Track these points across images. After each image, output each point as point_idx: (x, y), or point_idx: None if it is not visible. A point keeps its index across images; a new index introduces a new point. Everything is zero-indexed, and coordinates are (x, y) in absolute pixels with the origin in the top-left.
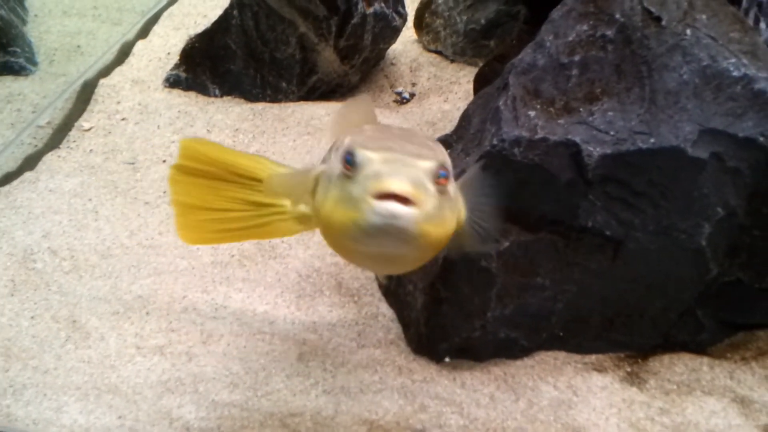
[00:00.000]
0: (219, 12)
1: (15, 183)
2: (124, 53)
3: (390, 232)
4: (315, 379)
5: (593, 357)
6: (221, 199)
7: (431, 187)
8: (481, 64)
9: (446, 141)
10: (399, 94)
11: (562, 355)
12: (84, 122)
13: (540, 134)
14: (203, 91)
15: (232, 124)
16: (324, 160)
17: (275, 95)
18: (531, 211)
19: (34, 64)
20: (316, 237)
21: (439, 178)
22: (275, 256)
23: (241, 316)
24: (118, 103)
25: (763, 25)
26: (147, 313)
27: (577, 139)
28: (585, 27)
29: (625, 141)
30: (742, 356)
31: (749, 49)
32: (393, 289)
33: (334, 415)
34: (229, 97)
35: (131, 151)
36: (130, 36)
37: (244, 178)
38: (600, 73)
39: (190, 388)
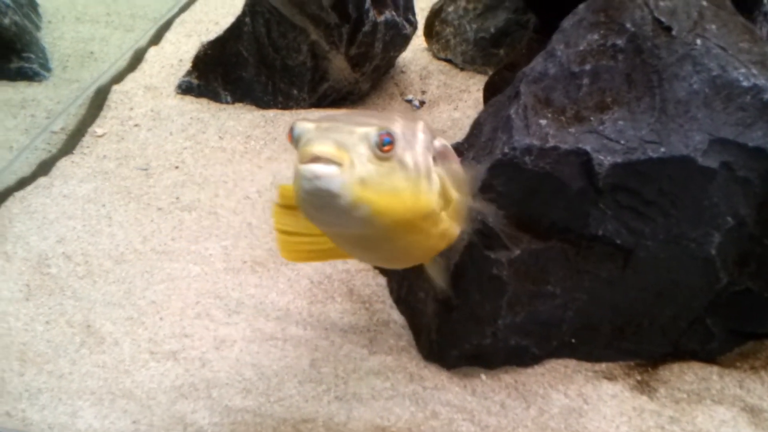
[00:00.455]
0: (231, 19)
1: (29, 188)
2: (136, 60)
3: (318, 195)
4: (327, 386)
5: (603, 365)
6: (313, 227)
7: (365, 151)
8: (490, 72)
9: (457, 149)
10: (409, 101)
11: (572, 363)
12: (97, 128)
13: (551, 143)
14: (215, 97)
15: (243, 131)
16: None
17: (286, 102)
18: (542, 220)
19: (48, 70)
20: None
21: (383, 145)
22: (287, 263)
23: (254, 321)
24: (131, 109)
25: None
26: (160, 319)
27: (588, 148)
28: (596, 36)
29: (635, 150)
30: (751, 365)
31: (759, 59)
32: (404, 296)
33: (347, 421)
34: (240, 104)
35: (144, 157)
36: (143, 42)
37: None
38: (611, 83)
39: (204, 394)
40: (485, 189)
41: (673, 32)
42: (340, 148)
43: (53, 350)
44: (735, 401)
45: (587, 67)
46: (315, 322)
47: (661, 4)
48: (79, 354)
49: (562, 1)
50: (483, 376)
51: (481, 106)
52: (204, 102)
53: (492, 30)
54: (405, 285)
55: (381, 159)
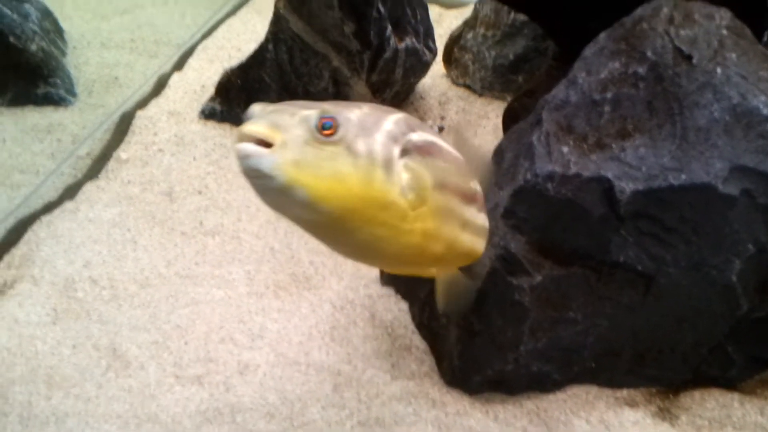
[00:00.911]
0: (252, 46)
1: (56, 212)
2: (160, 85)
3: (251, 175)
4: (350, 410)
5: (625, 391)
6: None
7: (303, 133)
8: (509, 99)
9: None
10: (429, 127)
11: (594, 389)
12: (122, 153)
13: (573, 170)
14: (238, 123)
15: None
16: None
17: None
18: (563, 246)
19: (74, 95)
20: (350, 268)
21: (324, 129)
22: (309, 288)
23: (277, 346)
24: (155, 134)
25: None
26: (185, 343)
27: (610, 175)
28: (617, 65)
29: (656, 177)
30: None
31: None
32: (426, 322)
33: None
34: None
35: (168, 182)
36: (167, 68)
37: None
38: (632, 110)
39: (228, 418)
40: (507, 215)
41: (694, 61)
42: (273, 128)
43: (80, 374)
44: (756, 428)
45: (608, 94)
46: (337, 347)
47: (682, 32)
48: (106, 378)
49: (582, 29)
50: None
51: (500, 132)
52: (227, 127)
53: (511, 57)
54: (427, 310)
55: (322, 143)
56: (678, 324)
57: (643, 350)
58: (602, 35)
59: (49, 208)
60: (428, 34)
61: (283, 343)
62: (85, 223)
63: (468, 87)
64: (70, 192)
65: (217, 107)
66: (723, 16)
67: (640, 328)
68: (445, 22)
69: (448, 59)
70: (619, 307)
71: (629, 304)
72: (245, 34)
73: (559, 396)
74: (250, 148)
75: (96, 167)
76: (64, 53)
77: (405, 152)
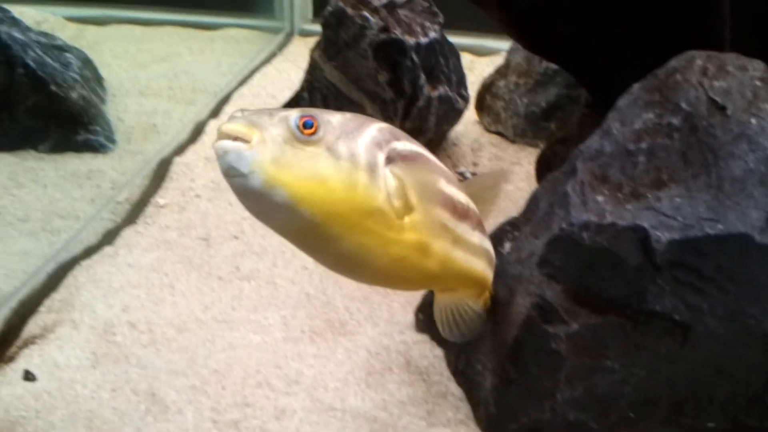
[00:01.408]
0: (287, 94)
1: (95, 257)
2: (197, 132)
3: (229, 174)
4: None
5: None
6: None
7: (282, 132)
8: (541, 146)
9: (514, 224)
10: (461, 174)
11: None
12: (160, 198)
13: (608, 219)
14: None
15: None
16: None
17: None
18: (599, 294)
19: (113, 142)
20: (384, 314)
21: (305, 128)
22: (345, 333)
23: (313, 392)
24: (192, 180)
25: None
26: (222, 388)
27: (646, 225)
28: (651, 115)
29: (692, 227)
30: None
31: None
32: (462, 369)
33: None
34: None
35: (204, 227)
36: (203, 115)
37: None
38: (667, 160)
39: None
40: (543, 264)
41: (728, 112)
42: (251, 126)
43: (119, 418)
44: None
45: (643, 145)
46: (373, 393)
47: (716, 84)
48: (144, 422)
49: (614, 78)
50: None
51: (532, 179)
52: None
53: (543, 104)
54: (463, 357)
55: (303, 143)
56: (715, 374)
57: (681, 399)
58: (636, 86)
59: (88, 252)
60: (461, 82)
61: (319, 389)
62: (124, 267)
63: (500, 134)
64: (109, 237)
65: None
66: (756, 67)
67: (677, 377)
68: (477, 69)
69: (480, 106)
70: (656, 356)
71: (666, 353)
72: (280, 82)
73: None
74: (229, 144)
75: (134, 212)
76: (103, 101)
77: (390, 160)
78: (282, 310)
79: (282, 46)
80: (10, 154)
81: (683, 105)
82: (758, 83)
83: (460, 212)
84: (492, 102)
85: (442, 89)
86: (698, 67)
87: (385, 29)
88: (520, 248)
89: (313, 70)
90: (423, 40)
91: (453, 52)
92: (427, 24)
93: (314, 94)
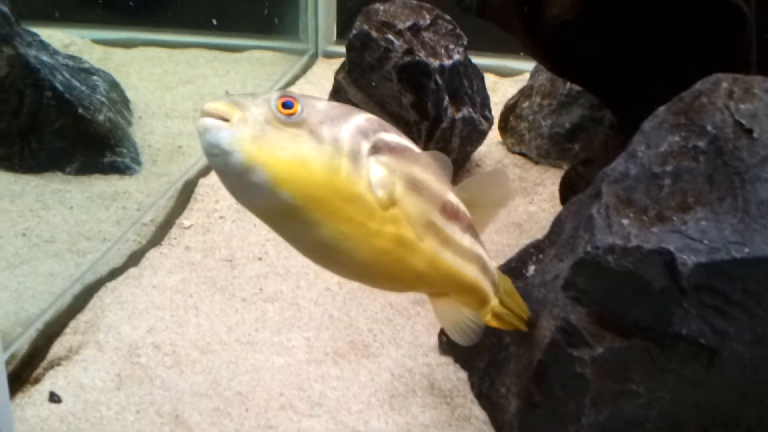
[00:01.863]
0: None
1: (120, 279)
2: None
3: (210, 151)
4: None
5: None
6: None
7: (264, 111)
8: (565, 167)
9: (538, 246)
10: None
11: None
12: (184, 220)
13: (634, 242)
14: None
15: None
16: None
17: None
18: (625, 318)
19: (139, 163)
20: (408, 335)
21: (284, 108)
22: (368, 355)
23: (336, 414)
24: (217, 201)
25: None
26: (246, 410)
27: (671, 248)
28: (677, 138)
29: (719, 250)
30: None
31: None
32: (486, 392)
33: None
34: None
35: (229, 249)
36: None
37: None
38: (692, 183)
39: None
40: (568, 287)
41: (755, 134)
42: (233, 105)
43: None
44: None
45: (669, 168)
46: (396, 416)
47: (742, 107)
48: None
49: (639, 99)
50: None
51: (556, 200)
52: None
53: (567, 125)
54: (487, 380)
55: (285, 124)
56: (742, 398)
57: (708, 424)
58: (661, 109)
59: (114, 274)
60: (485, 103)
61: (342, 411)
62: (149, 289)
63: (524, 155)
64: (135, 258)
65: None
66: None
67: (703, 401)
68: (500, 91)
69: (503, 127)
70: (682, 380)
71: (692, 377)
72: None
73: None
74: (209, 122)
75: (159, 234)
76: (130, 123)
77: (376, 150)
78: (305, 331)
79: (306, 68)
80: (37, 176)
81: (709, 128)
82: None
83: (449, 212)
84: (515, 123)
85: (465, 111)
86: (724, 90)
87: (410, 52)
88: (545, 271)
89: (337, 92)
90: (447, 62)
91: (477, 74)
92: (451, 46)
93: None
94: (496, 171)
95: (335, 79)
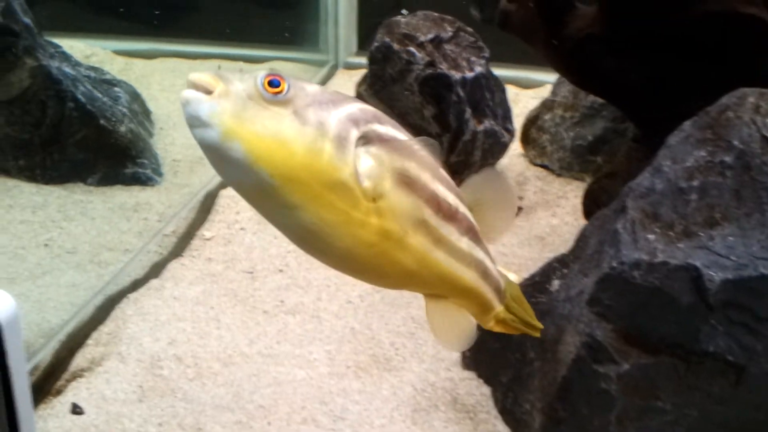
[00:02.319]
0: None
1: (142, 290)
2: None
3: (191, 123)
4: None
5: None
6: None
7: (248, 88)
8: (587, 179)
9: (563, 260)
10: None
11: None
12: (206, 231)
13: (660, 258)
14: None
15: None
16: None
17: None
18: (651, 334)
19: (160, 175)
20: (430, 350)
21: (270, 86)
22: (390, 369)
23: (359, 428)
24: (237, 213)
25: None
26: (268, 423)
27: (698, 264)
28: (703, 153)
29: (746, 266)
30: None
31: None
32: (510, 407)
33: None
34: None
35: (250, 261)
36: None
37: None
38: (719, 199)
39: None
40: (593, 302)
41: None
42: (217, 78)
43: None
44: None
45: (695, 183)
46: (419, 431)
47: None
48: None
49: (663, 112)
50: None
51: (578, 213)
52: None
53: (589, 138)
54: (510, 395)
55: (269, 102)
56: None
57: None
58: (687, 123)
59: (135, 285)
60: (506, 116)
61: (364, 426)
62: (171, 300)
63: (545, 167)
64: (156, 270)
65: None
66: None
67: (731, 418)
68: (521, 102)
69: (525, 139)
70: (710, 397)
71: (720, 394)
72: None
73: None
74: (192, 94)
75: (181, 245)
76: (151, 134)
77: (367, 140)
78: (327, 344)
79: (327, 79)
80: (59, 186)
81: (736, 143)
82: None
83: (445, 212)
84: (537, 135)
85: (487, 123)
86: (750, 105)
87: (431, 64)
88: (570, 286)
89: None
90: (469, 74)
91: (498, 86)
92: (473, 58)
93: None
94: (489, 171)
95: (357, 91)
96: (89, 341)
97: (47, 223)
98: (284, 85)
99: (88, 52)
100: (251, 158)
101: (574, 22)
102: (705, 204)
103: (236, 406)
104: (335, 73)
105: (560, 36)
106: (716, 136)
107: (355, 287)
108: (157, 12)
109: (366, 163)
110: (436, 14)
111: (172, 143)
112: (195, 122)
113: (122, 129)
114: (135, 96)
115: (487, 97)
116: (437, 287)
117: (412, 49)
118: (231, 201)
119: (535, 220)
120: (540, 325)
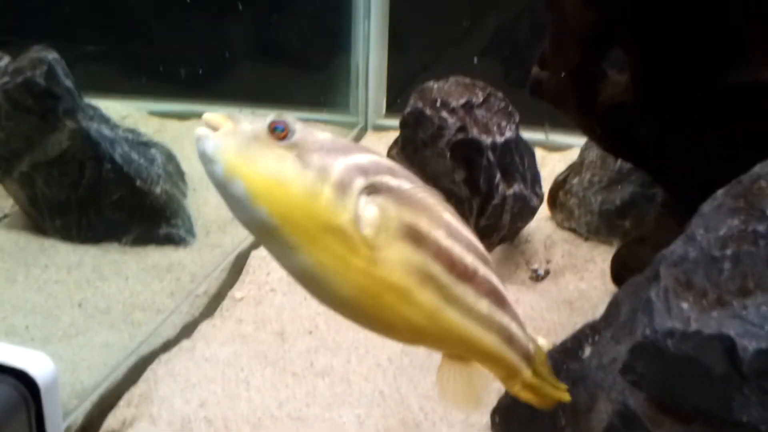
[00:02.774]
0: None
1: (173, 351)
2: None
3: (201, 160)
4: None
5: None
6: None
7: (252, 127)
8: (615, 243)
9: (594, 327)
10: (534, 270)
11: None
12: (236, 292)
13: (693, 327)
14: None
15: None
16: None
17: None
18: (684, 403)
19: (193, 235)
20: (460, 415)
21: (274, 131)
22: None
23: None
24: (268, 274)
25: None
26: None
27: (732, 333)
28: (736, 222)
29: None
30: None
31: None
32: None
33: None
34: None
35: (279, 322)
36: None
37: None
38: (752, 268)
39: None
40: (626, 370)
41: None
42: (227, 118)
43: None
44: None
45: (728, 251)
46: None
47: None
48: None
49: (694, 179)
50: None
51: (607, 278)
52: None
53: (617, 202)
54: None
55: (274, 144)
56: None
57: None
58: (720, 192)
59: (167, 346)
60: (536, 179)
61: None
62: (201, 362)
63: (573, 230)
64: (187, 330)
65: None
66: None
67: None
68: (548, 165)
69: (553, 203)
70: None
71: None
72: None
73: None
74: (202, 131)
75: (212, 306)
76: (184, 195)
77: (375, 190)
78: (356, 408)
79: (356, 141)
80: (94, 246)
81: None
82: None
83: (459, 271)
84: (565, 199)
85: (516, 187)
86: None
87: (463, 129)
88: (602, 353)
89: None
90: (499, 139)
91: (527, 150)
92: (504, 123)
93: None
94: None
95: (388, 154)
96: (121, 402)
97: (82, 282)
98: (290, 129)
99: (123, 113)
100: (251, 195)
101: (606, 90)
102: (738, 272)
103: None
104: (365, 134)
105: (592, 103)
106: (749, 205)
107: (384, 350)
108: (191, 73)
109: (370, 212)
110: (467, 79)
111: (205, 204)
112: (203, 158)
113: (157, 190)
114: (170, 157)
115: (517, 161)
116: (455, 347)
117: (444, 114)
118: (262, 262)
119: (563, 284)
120: (564, 386)
